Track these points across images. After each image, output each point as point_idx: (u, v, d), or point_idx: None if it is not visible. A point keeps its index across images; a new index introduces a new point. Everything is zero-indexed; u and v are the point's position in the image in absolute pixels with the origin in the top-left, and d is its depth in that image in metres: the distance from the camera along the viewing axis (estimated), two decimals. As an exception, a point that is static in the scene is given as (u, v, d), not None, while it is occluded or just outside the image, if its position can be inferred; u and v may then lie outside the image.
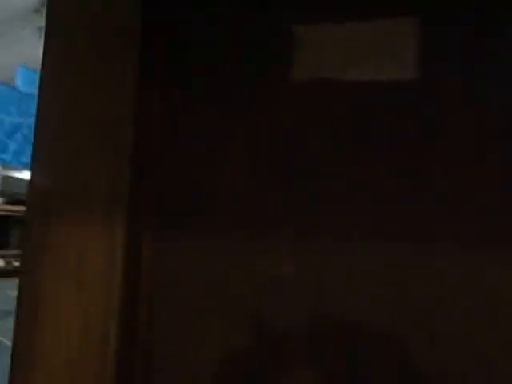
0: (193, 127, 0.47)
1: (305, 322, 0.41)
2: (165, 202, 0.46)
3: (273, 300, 0.42)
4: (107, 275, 0.45)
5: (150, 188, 0.47)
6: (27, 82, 3.63)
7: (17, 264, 10.49)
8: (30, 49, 5.12)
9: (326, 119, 0.43)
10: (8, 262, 10.55)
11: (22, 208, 12.93)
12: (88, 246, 0.45)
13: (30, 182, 0.49)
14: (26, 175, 10.44)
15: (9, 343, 5.02)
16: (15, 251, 11.22)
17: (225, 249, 0.43)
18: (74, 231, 0.46)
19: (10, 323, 6.61)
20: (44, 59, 0.53)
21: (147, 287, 0.46)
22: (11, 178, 10.36)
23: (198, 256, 0.44)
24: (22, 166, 9.12)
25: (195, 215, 0.45)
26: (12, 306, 7.04)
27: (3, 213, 11.66)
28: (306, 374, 0.41)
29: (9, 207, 11.05)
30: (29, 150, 6.45)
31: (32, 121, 4.98)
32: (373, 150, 0.42)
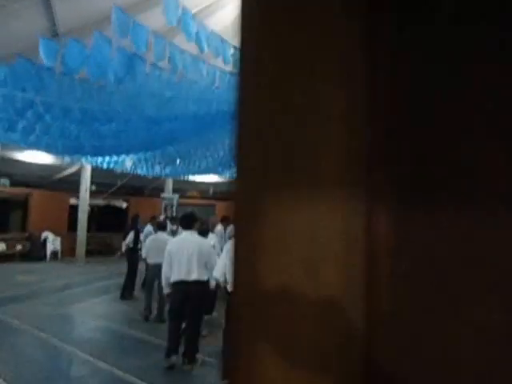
0: (429, 94, 0.41)
1: None
2: (404, 176, 0.42)
3: None
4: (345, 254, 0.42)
5: (389, 157, 0.42)
6: (50, 54, 3.31)
7: (19, 247, 10.30)
8: (42, 19, 4.86)
9: None
10: (10, 246, 10.33)
11: (21, 190, 12.52)
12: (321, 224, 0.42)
13: (239, 156, 0.46)
14: (27, 156, 10.06)
15: (20, 324, 4.90)
16: (17, 235, 10.98)
17: (473, 225, 0.38)
18: (303, 206, 0.43)
19: (20, 307, 6.43)
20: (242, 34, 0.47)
21: (388, 269, 0.41)
22: (11, 159, 10.05)
23: (442, 232, 0.39)
24: (26, 147, 8.55)
25: (437, 190, 0.40)
26: (22, 290, 6.84)
27: (6, 195, 11.31)
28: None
29: (8, 189, 10.80)
30: (39, 129, 5.90)
31: (48, 98, 4.61)
32: None
